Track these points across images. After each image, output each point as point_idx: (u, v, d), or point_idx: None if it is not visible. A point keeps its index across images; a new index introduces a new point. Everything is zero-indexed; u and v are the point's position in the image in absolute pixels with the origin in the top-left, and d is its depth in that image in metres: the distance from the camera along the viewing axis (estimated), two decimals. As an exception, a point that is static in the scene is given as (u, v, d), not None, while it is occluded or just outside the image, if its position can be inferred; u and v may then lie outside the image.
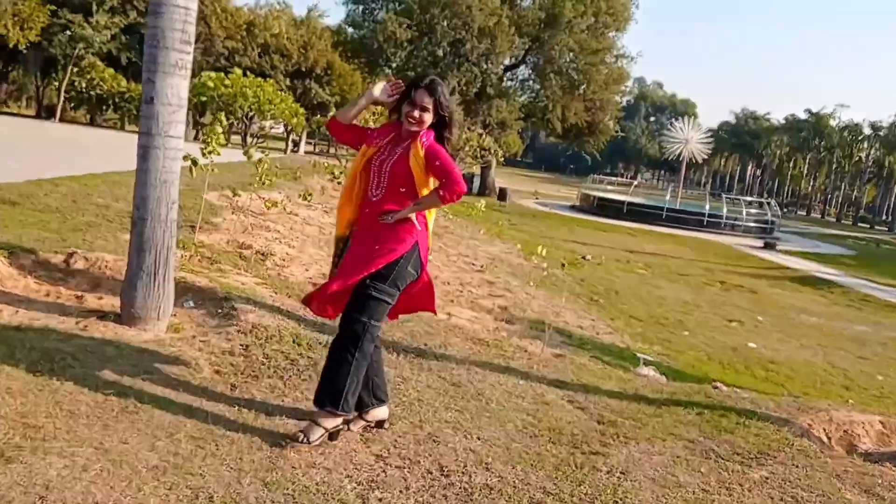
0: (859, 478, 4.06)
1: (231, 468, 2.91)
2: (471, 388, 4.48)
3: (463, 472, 3.28)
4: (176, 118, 4.27)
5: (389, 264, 3.30)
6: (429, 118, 3.36)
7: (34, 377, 3.41)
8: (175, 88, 4.25)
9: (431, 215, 3.53)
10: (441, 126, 3.43)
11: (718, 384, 6.02)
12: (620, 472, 3.68)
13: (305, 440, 3.24)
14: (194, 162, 6.45)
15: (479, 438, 3.75)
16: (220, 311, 4.96)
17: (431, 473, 3.22)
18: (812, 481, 3.95)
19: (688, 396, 5.28)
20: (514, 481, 3.31)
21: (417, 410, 3.96)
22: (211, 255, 6.49)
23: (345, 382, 3.29)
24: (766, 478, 3.94)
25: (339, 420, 3.39)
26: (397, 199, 3.35)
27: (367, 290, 3.28)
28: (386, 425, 3.64)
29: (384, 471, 3.17)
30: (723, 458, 4.12)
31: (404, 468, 3.22)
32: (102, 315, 4.62)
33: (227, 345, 4.30)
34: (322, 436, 3.30)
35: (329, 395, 3.31)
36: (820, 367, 10.04)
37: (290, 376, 4.07)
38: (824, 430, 5.26)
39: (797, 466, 4.14)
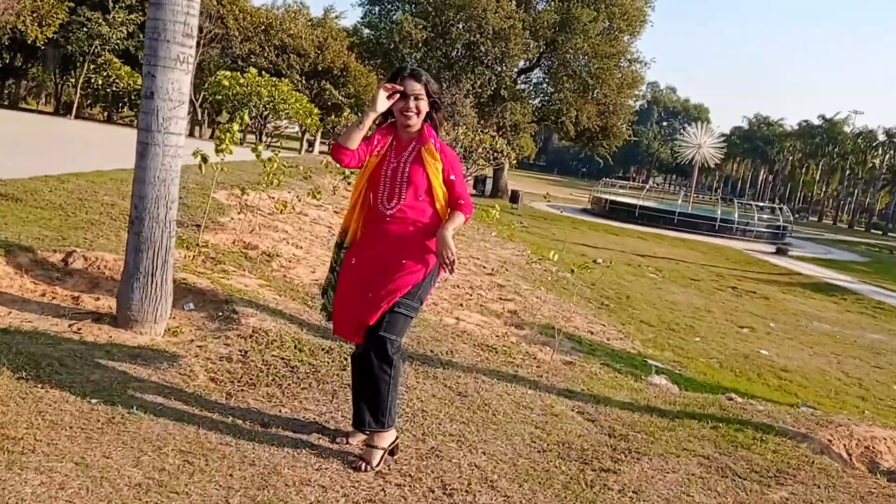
0: (885, 500, 3.88)
1: (220, 486, 2.74)
2: (477, 399, 4.31)
3: (467, 491, 3.11)
4: (176, 114, 4.12)
5: (418, 283, 3.19)
6: (424, 105, 3.19)
7: (18, 384, 3.24)
8: (176, 83, 4.11)
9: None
10: (431, 110, 3.26)
11: (733, 395, 5.82)
12: (633, 492, 3.51)
13: (370, 467, 3.14)
14: (204, 158, 6.29)
15: (484, 453, 3.58)
16: (220, 314, 4.80)
17: (434, 492, 3.05)
18: None
19: (702, 408, 5.10)
20: (520, 501, 3.14)
21: (421, 422, 3.79)
22: (215, 255, 6.33)
23: (386, 401, 3.20)
24: (787, 499, 3.76)
25: (393, 434, 3.28)
26: (415, 209, 3.19)
27: (397, 310, 3.16)
28: (387, 439, 3.48)
29: (383, 489, 3.00)
30: (740, 477, 3.94)
31: (405, 486, 3.05)
32: (98, 317, 4.48)
33: (225, 350, 4.14)
34: (383, 457, 3.22)
35: (373, 416, 3.22)
36: (834, 376, 9.82)
37: (288, 384, 3.91)
38: (844, 445, 5.06)
39: (818, 487, 3.96)
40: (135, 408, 3.24)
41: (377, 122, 3.27)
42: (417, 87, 3.16)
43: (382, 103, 3.13)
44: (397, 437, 3.32)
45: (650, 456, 3.98)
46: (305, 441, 3.29)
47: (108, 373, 3.60)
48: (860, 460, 4.96)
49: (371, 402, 3.20)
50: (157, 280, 4.26)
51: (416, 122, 3.19)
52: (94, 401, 3.26)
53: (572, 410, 4.52)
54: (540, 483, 3.37)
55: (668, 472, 3.82)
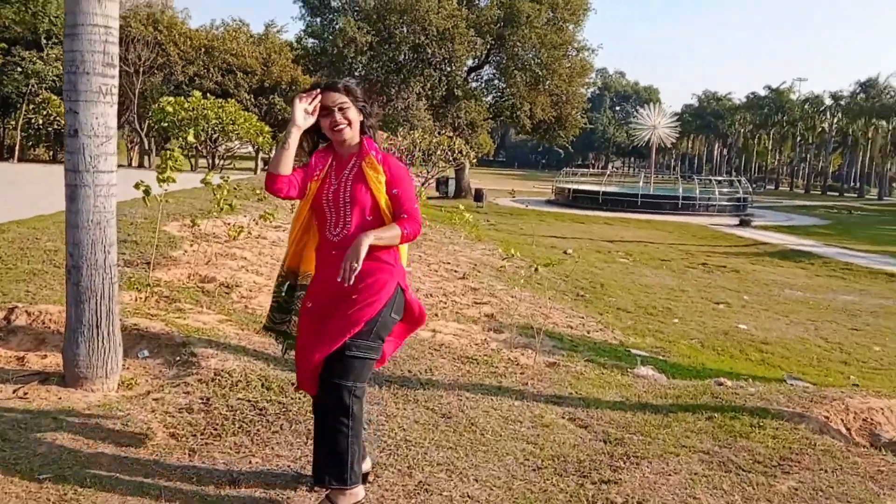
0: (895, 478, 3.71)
1: (186, 563, 2.45)
2: (463, 419, 4.06)
3: (462, 529, 2.86)
4: (105, 150, 3.80)
5: (371, 319, 2.81)
6: (354, 114, 2.89)
7: (-46, 470, 2.91)
8: (101, 118, 3.79)
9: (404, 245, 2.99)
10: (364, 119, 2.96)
11: (722, 380, 5.66)
12: (637, 502, 3.30)
13: None
14: (147, 191, 5.92)
15: (476, 480, 3.34)
16: (178, 358, 4.48)
17: (426, 534, 2.80)
18: (846, 488, 3.59)
19: (694, 399, 4.93)
20: (521, 531, 2.90)
21: (405, 454, 3.53)
22: (169, 293, 5.97)
23: (346, 454, 2.81)
24: (795, 489, 3.58)
25: (358, 494, 2.91)
26: (366, 231, 2.84)
27: (349, 352, 2.78)
28: (370, 478, 3.21)
29: (371, 539, 2.73)
30: (744, 470, 3.76)
31: (394, 532, 2.79)
32: (45, 377, 4.14)
33: (185, 400, 3.83)
34: None
35: (331, 471, 2.83)
36: (814, 344, 9.78)
37: (258, 429, 3.61)
38: (842, 420, 4.93)
39: (825, 471, 3.79)
40: (88, 480, 2.92)
41: (310, 146, 2.97)
42: (337, 97, 2.86)
43: (302, 116, 2.83)
44: (364, 497, 2.96)
45: (649, 458, 3.78)
46: (281, 496, 2.99)
47: (58, 442, 3.26)
48: (860, 434, 4.82)
49: (330, 457, 2.83)
50: (104, 331, 3.94)
51: (350, 135, 2.89)
52: (42, 477, 2.93)
53: (563, 418, 4.30)
54: (539, 506, 3.14)
55: (670, 475, 3.62)
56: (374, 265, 2.83)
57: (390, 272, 2.86)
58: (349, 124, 2.87)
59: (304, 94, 2.87)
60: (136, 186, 5.90)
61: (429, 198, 27.56)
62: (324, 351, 2.77)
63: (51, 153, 45.00)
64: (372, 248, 2.78)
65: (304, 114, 2.83)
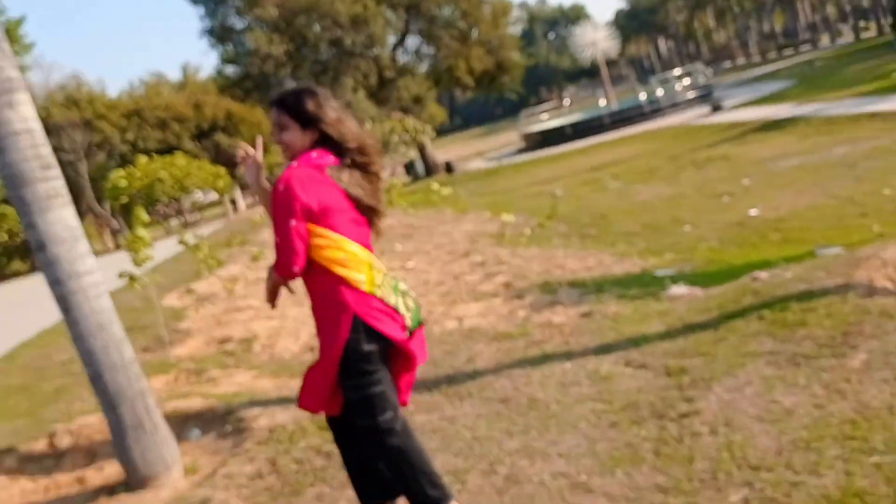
0: (961, 318, 3.66)
1: None
2: (522, 399, 3.99)
3: (567, 510, 2.79)
4: (78, 252, 3.66)
5: (341, 357, 2.55)
6: (294, 135, 2.59)
7: None
8: (61, 221, 3.64)
9: (352, 263, 2.57)
10: (328, 140, 2.60)
11: (756, 273, 5.57)
12: (723, 425, 3.25)
13: None
14: (132, 278, 5.82)
15: (560, 455, 3.27)
16: (228, 428, 4.40)
17: (534, 529, 2.73)
18: (916, 343, 3.53)
19: (737, 303, 4.85)
20: (623, 492, 2.84)
21: (480, 452, 3.47)
22: (195, 365, 5.89)
23: (414, 479, 2.63)
24: (868, 360, 3.54)
25: None
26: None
27: (346, 393, 2.62)
28: (456, 487, 3.13)
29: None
30: (813, 358, 3.71)
31: (501, 536, 2.73)
32: (111, 490, 4.07)
33: (252, 467, 3.76)
34: None
35: (418, 498, 2.65)
36: (826, 206, 9.66)
37: (332, 474, 3.53)
38: (885, 275, 4.86)
39: (889, 333, 3.73)
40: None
41: None
42: (277, 116, 2.63)
43: (248, 175, 2.73)
44: None
45: (718, 378, 3.73)
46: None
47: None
48: (907, 283, 4.76)
49: (402, 489, 2.69)
50: (148, 427, 3.85)
51: (290, 157, 2.62)
52: None
53: (618, 365, 4.23)
54: (630, 461, 3.08)
55: (744, 388, 3.57)
56: (318, 303, 2.62)
57: (340, 305, 2.55)
58: (288, 147, 2.62)
59: (241, 152, 2.74)
60: (121, 276, 5.80)
61: (404, 185, 27.35)
62: (320, 398, 2.69)
63: (28, 264, 44.13)
64: (308, 285, 2.63)
65: (247, 172, 2.74)
